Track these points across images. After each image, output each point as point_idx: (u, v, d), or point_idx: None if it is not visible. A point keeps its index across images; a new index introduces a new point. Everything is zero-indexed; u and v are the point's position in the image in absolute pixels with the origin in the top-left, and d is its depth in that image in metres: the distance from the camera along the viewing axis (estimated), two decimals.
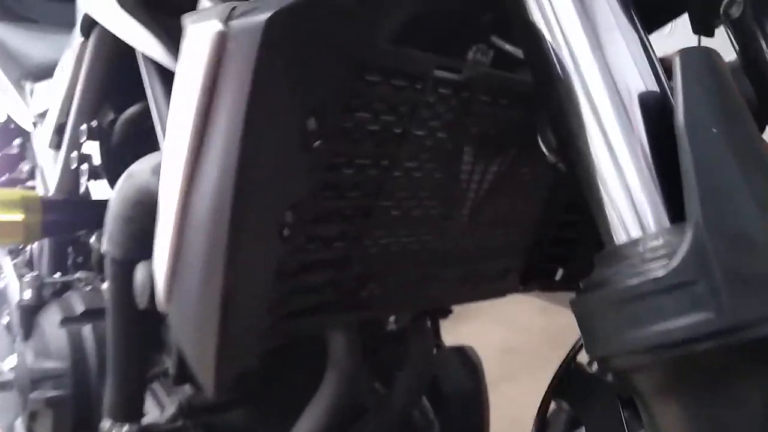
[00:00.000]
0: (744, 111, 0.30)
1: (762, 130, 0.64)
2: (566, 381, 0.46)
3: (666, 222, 0.31)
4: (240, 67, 0.29)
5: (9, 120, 1.47)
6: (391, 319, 0.78)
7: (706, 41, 0.42)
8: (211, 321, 0.37)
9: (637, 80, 0.33)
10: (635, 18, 0.34)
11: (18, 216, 0.69)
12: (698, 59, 0.30)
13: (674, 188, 0.30)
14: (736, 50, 0.62)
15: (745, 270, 0.28)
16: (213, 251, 0.35)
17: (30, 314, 0.87)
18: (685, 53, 0.30)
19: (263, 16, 0.28)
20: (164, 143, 0.37)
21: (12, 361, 0.88)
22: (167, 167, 0.36)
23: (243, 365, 0.45)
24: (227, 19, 0.29)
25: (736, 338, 0.27)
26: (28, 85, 1.27)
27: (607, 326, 0.31)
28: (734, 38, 0.60)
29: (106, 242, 0.63)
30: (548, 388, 0.47)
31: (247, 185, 0.32)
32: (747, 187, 0.28)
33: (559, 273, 0.80)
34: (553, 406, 0.47)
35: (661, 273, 0.29)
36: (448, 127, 0.54)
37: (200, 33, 0.30)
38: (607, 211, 0.33)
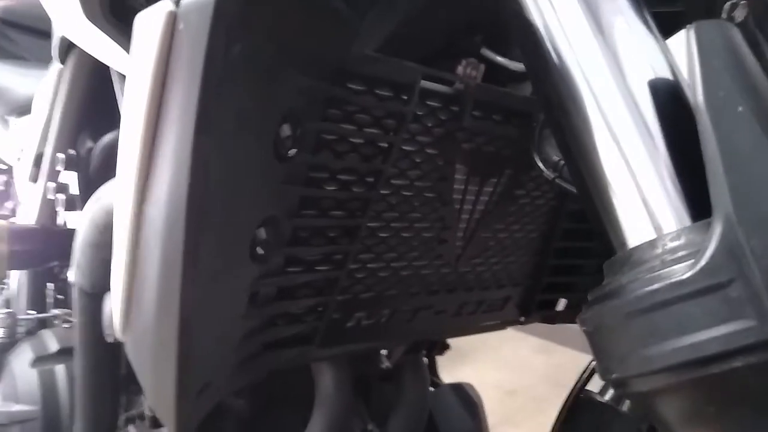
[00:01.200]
0: None
1: None
2: (576, 412, 0.41)
3: (687, 221, 0.27)
4: (191, 50, 0.26)
5: None
6: (384, 352, 0.73)
7: None
8: (168, 349, 0.33)
9: (644, 64, 0.29)
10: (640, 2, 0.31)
11: None
12: (715, 32, 0.26)
13: (694, 182, 0.26)
14: None
15: None
16: (167, 268, 0.31)
17: (0, 354, 0.82)
18: (700, 26, 0.27)
19: None
20: (119, 151, 0.34)
21: None
22: (120, 176, 0.32)
23: (211, 403, 0.41)
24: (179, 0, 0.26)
25: None
26: (12, 120, 1.25)
27: (623, 342, 0.26)
28: None
29: (74, 272, 0.59)
30: (556, 420, 0.41)
31: (203, 191, 0.28)
32: None
33: (561, 303, 0.75)
34: None
35: (686, 275, 0.24)
36: (439, 143, 0.50)
37: (150, 17, 0.27)
38: (617, 213, 0.29)
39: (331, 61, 0.38)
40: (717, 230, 0.24)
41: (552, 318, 0.74)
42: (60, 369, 0.78)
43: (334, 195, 0.45)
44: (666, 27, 0.49)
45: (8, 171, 1.44)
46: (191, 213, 0.29)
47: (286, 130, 0.37)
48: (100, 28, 0.49)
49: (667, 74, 0.29)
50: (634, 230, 0.28)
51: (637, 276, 0.26)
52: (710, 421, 0.25)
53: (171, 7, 0.26)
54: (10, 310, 0.89)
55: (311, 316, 0.50)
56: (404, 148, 0.48)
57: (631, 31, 0.30)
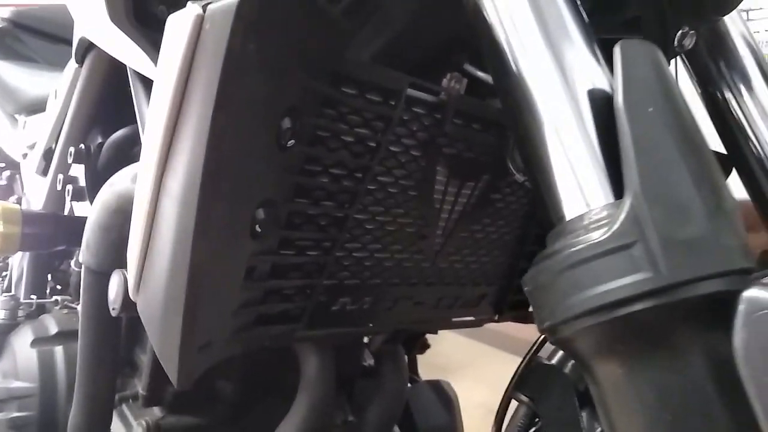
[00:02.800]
0: (680, 96, 0.32)
1: (727, 175, 0.67)
2: (527, 376, 0.46)
3: (611, 198, 0.33)
4: (215, 45, 0.31)
5: None
6: (366, 339, 0.78)
7: None
8: (177, 305, 0.38)
9: (585, 78, 0.35)
10: (583, 19, 0.38)
11: None
12: (636, 48, 0.33)
13: (618, 170, 0.32)
14: (696, 87, 0.65)
15: (680, 234, 0.30)
16: (181, 233, 0.36)
17: (1, 335, 0.86)
18: (625, 42, 0.33)
19: None
20: (143, 136, 0.39)
21: None
22: (145, 149, 0.38)
23: (209, 361, 0.45)
24: (207, 4, 0.32)
25: (672, 297, 0.29)
26: (21, 118, 1.30)
27: (553, 295, 0.32)
28: (694, 73, 0.63)
29: (83, 252, 0.64)
30: (509, 382, 0.47)
31: (217, 164, 0.34)
32: (681, 159, 0.31)
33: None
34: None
35: (601, 238, 0.31)
36: (422, 146, 0.56)
37: (180, 18, 0.33)
38: (558, 195, 0.35)
39: (328, 63, 0.44)
40: (627, 203, 0.31)
41: (523, 318, 0.79)
42: (59, 350, 0.82)
43: (325, 186, 0.51)
44: None
45: (11, 167, 1.48)
46: (205, 182, 0.34)
47: (287, 122, 0.42)
48: (123, 31, 0.54)
49: (604, 86, 0.36)
50: (570, 207, 0.34)
51: (568, 241, 0.32)
52: (620, 357, 0.30)
53: (199, 10, 0.32)
54: (13, 294, 0.93)
55: (300, 297, 0.55)
56: (391, 148, 0.54)
57: (576, 51, 0.37)
